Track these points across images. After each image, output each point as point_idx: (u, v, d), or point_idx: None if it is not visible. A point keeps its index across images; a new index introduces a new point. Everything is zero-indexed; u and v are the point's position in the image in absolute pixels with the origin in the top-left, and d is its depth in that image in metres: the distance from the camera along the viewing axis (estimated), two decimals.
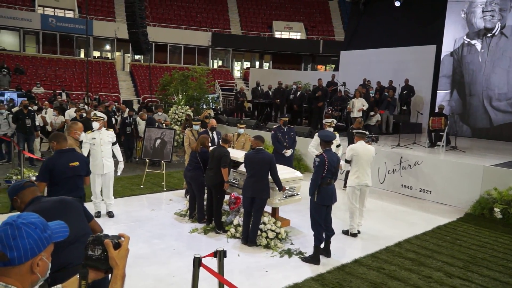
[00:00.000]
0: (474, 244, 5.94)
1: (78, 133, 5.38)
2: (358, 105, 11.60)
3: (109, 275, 1.56)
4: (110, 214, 6.49)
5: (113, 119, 11.48)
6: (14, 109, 10.40)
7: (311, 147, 7.54)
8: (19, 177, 7.77)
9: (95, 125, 6.31)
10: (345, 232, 6.14)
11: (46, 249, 1.33)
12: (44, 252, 1.33)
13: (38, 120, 10.20)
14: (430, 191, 8.49)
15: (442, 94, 14.85)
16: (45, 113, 11.14)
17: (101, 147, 6.25)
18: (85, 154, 6.17)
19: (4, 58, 20.90)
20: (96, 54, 26.44)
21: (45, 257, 1.34)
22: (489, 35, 13.94)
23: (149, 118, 10.57)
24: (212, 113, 14.17)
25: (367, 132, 6.75)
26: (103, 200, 6.50)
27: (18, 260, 1.26)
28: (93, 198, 6.44)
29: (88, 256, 1.51)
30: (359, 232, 6.22)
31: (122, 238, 1.58)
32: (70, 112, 11.01)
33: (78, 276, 1.51)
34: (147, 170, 8.77)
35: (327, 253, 5.24)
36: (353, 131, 7.12)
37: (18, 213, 1.39)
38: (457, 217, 7.34)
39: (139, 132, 10.54)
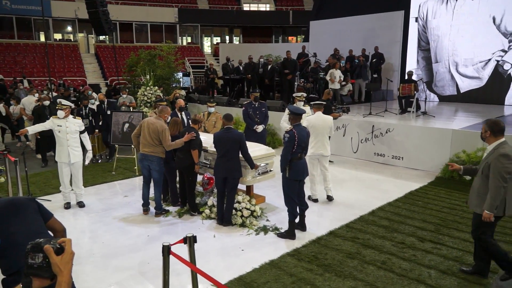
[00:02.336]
0: (444, 207, 6.10)
1: (166, 117, 5.99)
2: (338, 75, 11.53)
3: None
4: (80, 204, 6.30)
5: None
6: None
7: (283, 122, 7.48)
8: None
9: (60, 113, 5.99)
10: (308, 198, 6.21)
11: None
12: None
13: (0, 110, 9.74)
14: (402, 158, 8.63)
15: (410, 61, 14.91)
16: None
17: (67, 135, 5.98)
18: (38, 127, 6.15)
19: None
20: (58, 36, 25.24)
21: None
22: None
23: (110, 103, 9.51)
24: (183, 93, 13.86)
25: (324, 103, 6.82)
26: (72, 190, 6.29)
27: None
28: (61, 188, 6.22)
29: (29, 264, 1.41)
30: (330, 197, 6.46)
31: (64, 242, 1.46)
32: (29, 100, 10.32)
33: (21, 286, 1.40)
34: (117, 155, 8.53)
35: (302, 227, 5.27)
36: (311, 103, 7.10)
37: None
38: (428, 181, 7.51)
39: None
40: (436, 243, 4.85)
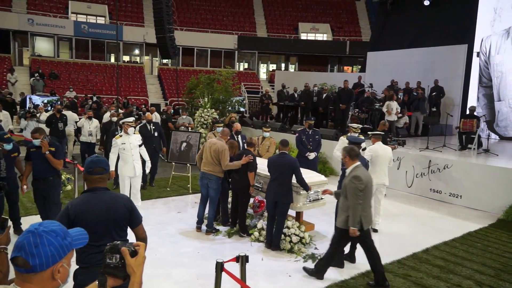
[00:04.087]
0: (506, 252, 5.73)
1: (227, 138, 6.37)
2: (395, 107, 11.36)
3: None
4: None
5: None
6: (48, 114, 10.84)
7: (336, 151, 7.48)
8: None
9: (131, 130, 6.52)
10: None
11: (66, 256, 1.39)
12: (64, 259, 1.38)
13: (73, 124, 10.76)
14: (461, 196, 8.23)
15: (471, 97, 14.23)
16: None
17: (131, 150, 6.43)
18: (114, 159, 6.40)
19: (39, 64, 21.81)
20: (126, 58, 27.16)
21: (66, 263, 1.39)
22: None
23: (156, 124, 8.93)
24: (237, 117, 14.27)
25: (383, 133, 6.86)
26: None
27: (40, 267, 1.32)
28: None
29: (106, 264, 1.57)
30: (376, 230, 6.39)
31: (138, 246, 1.63)
32: (106, 116, 11.36)
33: (97, 283, 1.56)
34: (173, 173, 8.93)
35: (351, 258, 5.19)
36: (369, 132, 7.10)
37: (40, 221, 1.45)
38: (489, 223, 7.09)
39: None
40: None
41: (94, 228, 2.64)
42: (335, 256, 4.70)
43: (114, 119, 9.58)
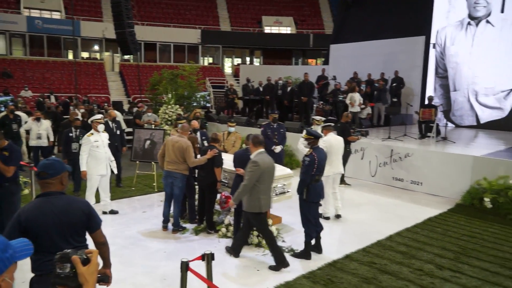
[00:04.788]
0: (464, 235, 5.99)
1: (188, 133, 6.17)
2: (358, 99, 11.56)
3: None
4: (113, 211, 6.69)
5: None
6: (0, 115, 10.26)
7: (300, 144, 7.53)
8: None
9: (101, 127, 6.48)
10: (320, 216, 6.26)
11: (8, 269, 1.29)
12: (6, 273, 1.28)
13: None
14: (421, 183, 8.53)
15: (429, 88, 14.74)
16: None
17: (104, 148, 6.41)
18: (85, 157, 6.26)
19: None
20: (85, 55, 26.20)
21: (8, 277, 1.30)
22: (472, 23, 13.62)
23: (118, 122, 8.61)
24: (202, 112, 14.10)
25: (333, 124, 7.04)
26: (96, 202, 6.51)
27: None
28: (90, 200, 6.40)
29: (56, 273, 1.48)
30: (339, 216, 6.67)
31: (91, 253, 1.55)
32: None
33: None
34: (137, 171, 8.71)
35: (318, 249, 5.26)
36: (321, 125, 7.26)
37: None
38: (448, 208, 7.39)
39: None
40: (455, 271, 4.76)
41: (47, 234, 2.51)
42: (247, 235, 5.15)
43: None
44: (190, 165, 5.81)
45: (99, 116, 6.80)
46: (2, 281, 1.27)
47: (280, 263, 4.77)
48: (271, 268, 4.79)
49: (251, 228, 5.11)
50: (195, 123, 7.47)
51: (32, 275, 2.59)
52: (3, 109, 12.75)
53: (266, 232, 4.92)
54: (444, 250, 5.40)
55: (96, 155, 6.34)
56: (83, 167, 6.30)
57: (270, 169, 4.80)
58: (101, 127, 6.48)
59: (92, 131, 6.48)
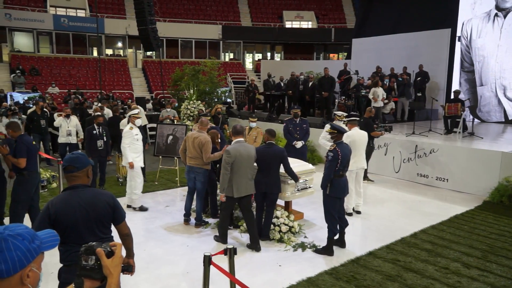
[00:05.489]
0: (492, 233, 5.82)
1: (207, 128, 6.29)
2: (381, 94, 11.38)
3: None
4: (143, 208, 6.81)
5: None
6: (29, 111, 10.58)
7: (321, 139, 7.47)
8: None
9: (138, 122, 6.80)
10: None
11: (35, 259, 1.32)
12: (33, 263, 1.32)
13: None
14: (447, 179, 8.33)
15: (455, 82, 14.31)
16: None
17: (141, 142, 6.73)
18: (128, 148, 6.53)
19: (19, 60, 21.29)
20: (109, 52, 26.68)
21: (35, 267, 1.33)
22: (500, 15, 13.06)
23: (111, 119, 9.01)
24: (223, 108, 14.17)
25: (358, 118, 6.91)
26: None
27: (6, 273, 1.25)
28: (138, 192, 6.72)
29: (82, 266, 1.51)
30: (359, 212, 6.62)
31: (115, 246, 1.57)
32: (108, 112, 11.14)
33: (73, 286, 1.51)
34: (160, 166, 8.84)
35: (341, 243, 5.23)
36: (344, 119, 7.14)
37: (5, 225, 1.38)
38: (475, 205, 7.19)
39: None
40: (483, 270, 4.63)
41: (75, 226, 2.58)
42: (226, 220, 5.37)
43: (98, 114, 9.37)
44: (205, 160, 5.84)
45: (136, 111, 7.11)
46: (29, 271, 1.30)
47: (221, 237, 5.30)
48: (215, 238, 5.41)
49: (227, 211, 5.35)
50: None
51: (61, 265, 2.67)
52: (31, 105, 13.15)
53: (223, 215, 5.32)
54: (471, 248, 5.26)
55: (136, 148, 6.64)
56: (129, 159, 6.54)
57: (244, 157, 5.05)
58: (138, 121, 6.77)
59: (131, 125, 6.73)
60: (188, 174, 6.01)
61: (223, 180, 5.06)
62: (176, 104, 11.71)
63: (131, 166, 6.56)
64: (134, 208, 6.73)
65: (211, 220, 6.18)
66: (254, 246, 5.16)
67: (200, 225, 5.98)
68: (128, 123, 6.92)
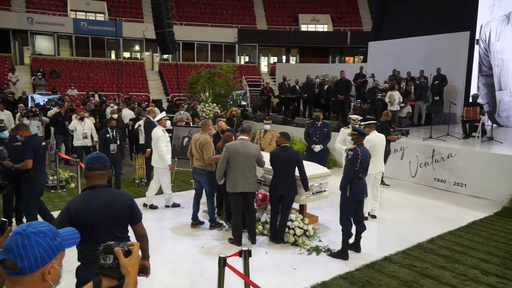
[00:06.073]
0: None
1: (211, 129, 6.41)
2: (397, 97, 11.26)
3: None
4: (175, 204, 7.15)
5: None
6: (50, 112, 10.82)
7: (337, 143, 7.43)
8: (55, 177, 8.10)
9: (168, 123, 7.14)
10: None
11: (56, 256, 1.36)
12: (54, 260, 1.35)
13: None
14: (465, 185, 8.18)
15: (474, 86, 14.00)
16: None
17: (169, 143, 6.97)
18: (165, 150, 6.71)
19: (40, 63, 21.81)
20: (126, 55, 27.10)
21: (57, 264, 1.37)
22: None
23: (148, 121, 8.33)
24: (239, 111, 14.23)
25: (376, 122, 6.87)
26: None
27: (29, 269, 1.29)
28: (168, 191, 6.97)
29: (100, 265, 1.55)
30: (375, 216, 6.55)
31: (132, 246, 1.60)
32: (129, 113, 11.51)
33: (92, 284, 1.55)
34: (176, 168, 8.92)
35: (356, 248, 5.19)
36: (361, 123, 7.07)
37: (28, 222, 1.42)
38: (494, 211, 7.05)
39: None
40: (502, 277, 4.54)
41: (94, 225, 2.63)
42: (239, 222, 5.42)
43: (115, 116, 9.51)
44: (206, 162, 5.89)
45: (164, 114, 7.32)
46: (51, 268, 1.34)
47: (234, 239, 5.39)
48: (229, 240, 5.48)
49: (232, 207, 5.45)
50: (223, 124, 7.49)
51: (79, 264, 2.73)
52: (51, 107, 13.45)
53: (235, 216, 5.40)
54: (490, 255, 5.16)
55: (168, 150, 6.86)
56: (168, 161, 6.77)
57: (240, 155, 5.20)
58: (168, 123, 7.08)
59: (162, 128, 6.92)
60: (193, 175, 6.20)
61: (218, 171, 5.39)
62: (198, 106, 11.86)
63: (171, 168, 6.88)
64: (167, 206, 7.03)
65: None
66: (234, 241, 5.40)
67: (214, 226, 6.01)
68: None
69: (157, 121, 7.11)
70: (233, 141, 5.59)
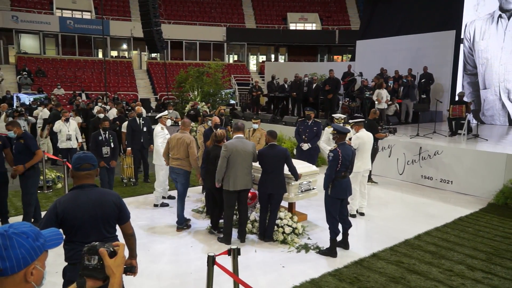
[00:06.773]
0: (497, 235, 5.79)
1: (190, 129, 6.37)
2: (385, 95, 11.36)
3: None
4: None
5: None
6: (37, 111, 10.65)
7: (322, 142, 7.48)
8: (41, 177, 7.97)
9: (169, 122, 7.20)
10: None
11: (39, 257, 1.34)
12: (37, 261, 1.33)
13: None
14: (451, 182, 8.30)
15: (459, 84, 14.18)
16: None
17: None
18: (163, 148, 6.51)
19: (25, 61, 21.47)
20: (114, 53, 26.84)
21: (39, 265, 1.34)
22: (504, 16, 12.81)
23: (145, 119, 8.57)
24: (227, 109, 14.20)
25: (363, 120, 6.90)
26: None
27: (11, 270, 1.27)
28: (159, 189, 6.96)
29: (84, 265, 1.52)
30: (363, 214, 6.62)
31: (118, 246, 1.59)
32: (113, 112, 11.29)
33: (75, 285, 1.52)
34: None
35: (345, 245, 5.23)
36: (350, 121, 7.14)
37: (10, 223, 1.40)
38: (480, 207, 7.16)
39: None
40: (487, 272, 4.61)
41: (82, 225, 2.61)
42: (230, 220, 5.41)
43: (101, 115, 9.42)
44: (193, 163, 5.85)
45: (165, 112, 7.43)
46: (33, 269, 1.32)
47: (224, 237, 5.39)
48: (218, 239, 5.47)
49: (227, 206, 5.42)
50: (216, 119, 7.45)
51: (66, 263, 2.70)
52: (37, 106, 13.24)
53: (226, 215, 5.39)
54: (475, 250, 5.24)
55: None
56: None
57: (240, 153, 5.21)
58: (168, 121, 6.97)
59: (161, 125, 7.02)
60: (171, 175, 6.12)
61: (219, 172, 5.25)
62: (199, 106, 11.74)
63: (168, 164, 6.55)
64: (155, 205, 6.92)
65: (199, 223, 6.11)
66: (223, 239, 5.42)
67: (182, 228, 5.88)
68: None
69: (157, 118, 7.36)
70: (231, 140, 5.51)
